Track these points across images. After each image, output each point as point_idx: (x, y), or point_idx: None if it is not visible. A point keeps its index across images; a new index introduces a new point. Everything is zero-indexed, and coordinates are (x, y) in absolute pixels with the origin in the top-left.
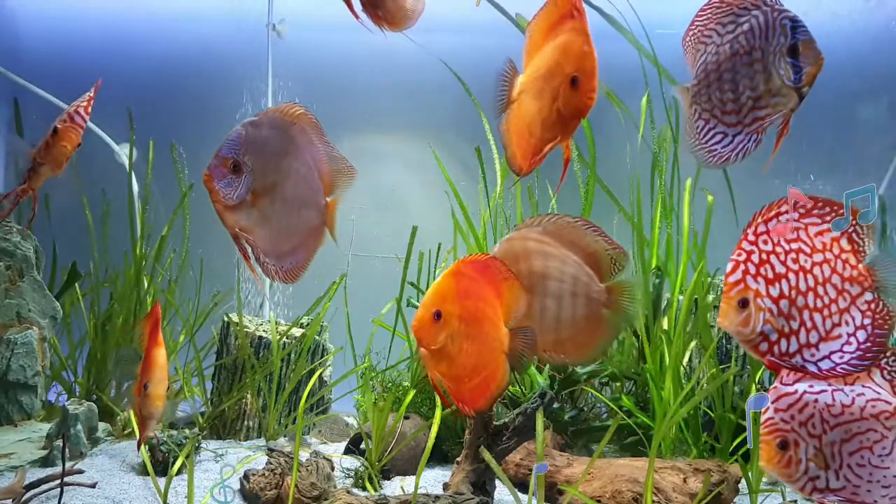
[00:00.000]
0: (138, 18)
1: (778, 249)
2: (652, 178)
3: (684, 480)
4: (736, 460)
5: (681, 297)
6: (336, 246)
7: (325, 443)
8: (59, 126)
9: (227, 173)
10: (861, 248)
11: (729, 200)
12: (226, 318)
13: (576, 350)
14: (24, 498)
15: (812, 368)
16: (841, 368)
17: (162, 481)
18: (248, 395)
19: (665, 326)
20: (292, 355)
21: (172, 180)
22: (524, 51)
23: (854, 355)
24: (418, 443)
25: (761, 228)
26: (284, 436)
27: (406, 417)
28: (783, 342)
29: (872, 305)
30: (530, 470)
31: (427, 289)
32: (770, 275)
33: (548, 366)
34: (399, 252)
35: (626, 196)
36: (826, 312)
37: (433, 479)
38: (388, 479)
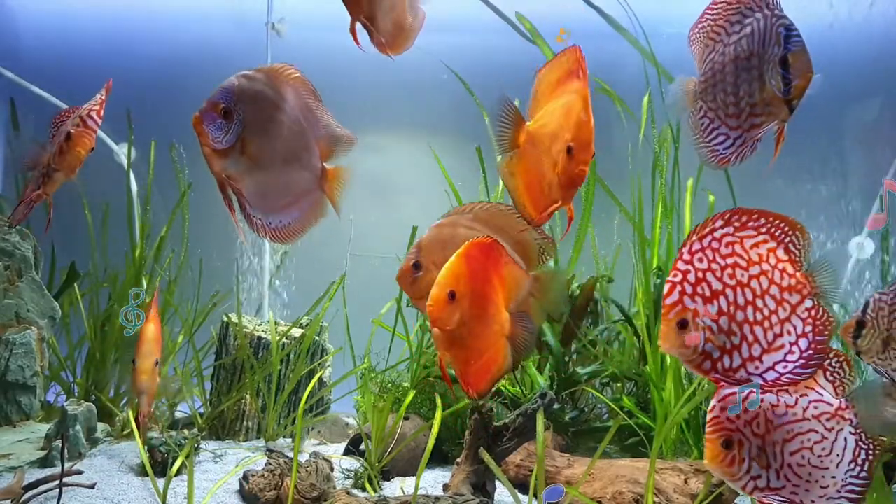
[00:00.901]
0: (138, 18)
1: (714, 266)
2: (653, 178)
3: (685, 481)
4: None
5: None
6: (338, 218)
7: (323, 443)
8: (72, 131)
9: (217, 117)
10: (798, 257)
11: (730, 201)
12: (225, 319)
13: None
14: (22, 498)
15: (758, 381)
16: (786, 378)
17: (161, 482)
18: (248, 396)
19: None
20: (292, 356)
21: (172, 180)
22: (532, 96)
23: (797, 364)
24: (418, 444)
25: (696, 246)
26: (285, 436)
27: (406, 418)
28: (726, 358)
29: (813, 312)
30: (530, 471)
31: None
32: (707, 293)
33: (548, 366)
34: (399, 252)
35: (626, 196)
36: (767, 324)
37: (433, 480)
38: (388, 479)
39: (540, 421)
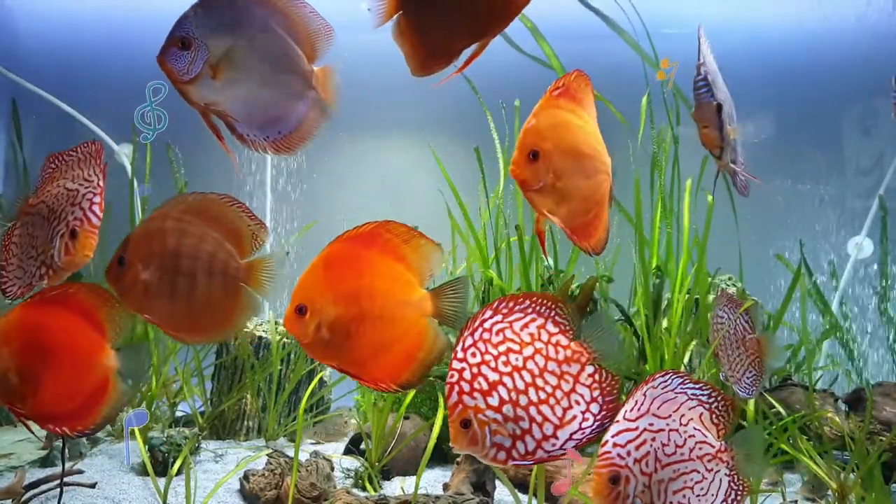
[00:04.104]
0: (138, 18)
1: (487, 358)
2: (651, 178)
3: None
4: None
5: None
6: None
7: (319, 443)
8: (78, 230)
9: (177, 51)
10: (568, 328)
11: (730, 201)
12: None
13: (214, 328)
14: (23, 498)
15: (558, 454)
16: (585, 440)
17: (162, 482)
18: (248, 396)
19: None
20: (292, 355)
21: (170, 181)
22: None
23: (594, 428)
24: (418, 443)
25: (468, 342)
26: (285, 436)
27: (406, 418)
28: (520, 444)
29: (597, 377)
30: (530, 470)
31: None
32: (485, 386)
33: None
34: None
35: (627, 196)
36: (553, 401)
37: (433, 480)
38: (388, 479)
39: None
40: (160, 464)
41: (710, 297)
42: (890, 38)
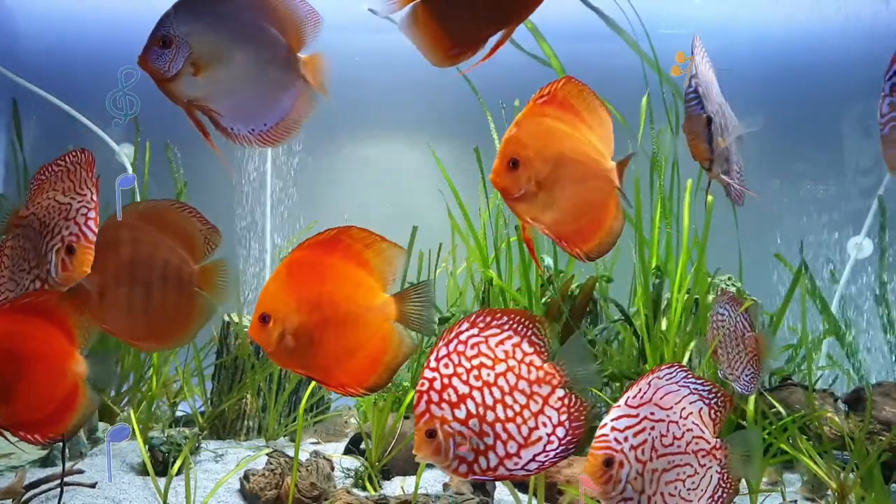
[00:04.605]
0: (138, 18)
1: (459, 370)
2: (651, 179)
3: None
4: None
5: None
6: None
7: (318, 442)
8: (76, 246)
9: (159, 50)
10: (543, 349)
11: (729, 202)
12: (226, 318)
13: (170, 334)
14: (24, 498)
15: (520, 474)
16: (548, 463)
17: (162, 481)
18: (248, 395)
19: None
20: None
21: (169, 181)
22: None
23: (558, 452)
24: None
25: (442, 352)
26: (285, 436)
27: (406, 417)
28: (482, 459)
29: (566, 401)
30: None
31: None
32: (454, 398)
33: None
34: None
35: (626, 196)
36: (520, 420)
37: (433, 479)
38: (389, 479)
39: None
40: (160, 464)
41: (710, 297)
42: (890, 38)
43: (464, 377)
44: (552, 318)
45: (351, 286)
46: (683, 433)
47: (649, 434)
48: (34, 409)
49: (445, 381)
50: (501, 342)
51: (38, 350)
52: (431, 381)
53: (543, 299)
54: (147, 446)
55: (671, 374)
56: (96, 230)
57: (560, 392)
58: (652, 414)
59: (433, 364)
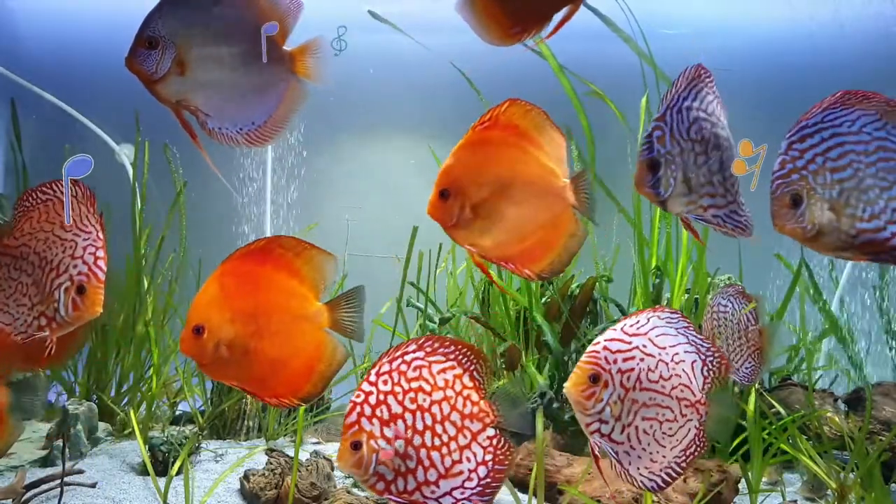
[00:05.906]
0: (138, 18)
1: (397, 389)
2: None
3: (684, 480)
4: (736, 460)
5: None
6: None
7: (319, 442)
8: (86, 286)
9: (144, 51)
10: (482, 385)
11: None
12: None
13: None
14: (24, 498)
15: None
16: (464, 499)
17: (162, 481)
18: (248, 395)
19: None
20: None
21: (169, 181)
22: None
23: (475, 491)
24: None
25: (385, 368)
26: (285, 436)
27: None
28: (400, 481)
29: (494, 441)
30: (530, 470)
31: (427, 288)
32: (386, 415)
33: (548, 365)
34: (399, 252)
35: (625, 196)
36: (445, 450)
37: None
38: None
39: (539, 420)
40: (160, 463)
41: (710, 298)
42: (890, 37)
43: (400, 397)
44: (552, 318)
45: (284, 296)
46: (671, 376)
47: (638, 364)
48: None
49: (381, 397)
50: (444, 370)
51: None
52: (368, 394)
53: (543, 299)
54: (147, 446)
55: (672, 318)
56: (105, 269)
57: (490, 431)
58: (644, 346)
59: (373, 378)
